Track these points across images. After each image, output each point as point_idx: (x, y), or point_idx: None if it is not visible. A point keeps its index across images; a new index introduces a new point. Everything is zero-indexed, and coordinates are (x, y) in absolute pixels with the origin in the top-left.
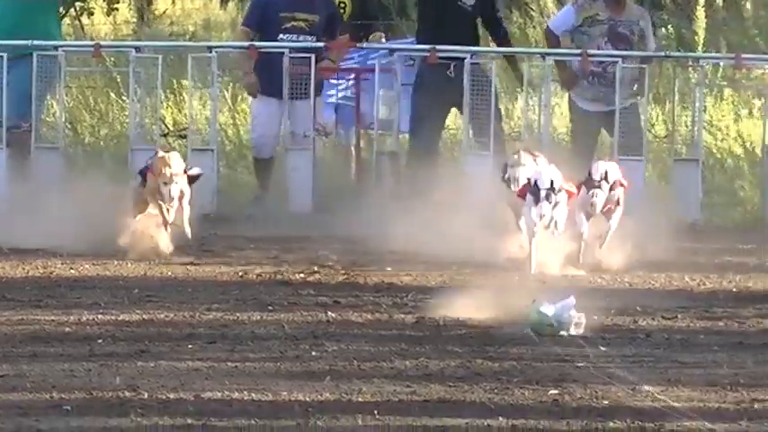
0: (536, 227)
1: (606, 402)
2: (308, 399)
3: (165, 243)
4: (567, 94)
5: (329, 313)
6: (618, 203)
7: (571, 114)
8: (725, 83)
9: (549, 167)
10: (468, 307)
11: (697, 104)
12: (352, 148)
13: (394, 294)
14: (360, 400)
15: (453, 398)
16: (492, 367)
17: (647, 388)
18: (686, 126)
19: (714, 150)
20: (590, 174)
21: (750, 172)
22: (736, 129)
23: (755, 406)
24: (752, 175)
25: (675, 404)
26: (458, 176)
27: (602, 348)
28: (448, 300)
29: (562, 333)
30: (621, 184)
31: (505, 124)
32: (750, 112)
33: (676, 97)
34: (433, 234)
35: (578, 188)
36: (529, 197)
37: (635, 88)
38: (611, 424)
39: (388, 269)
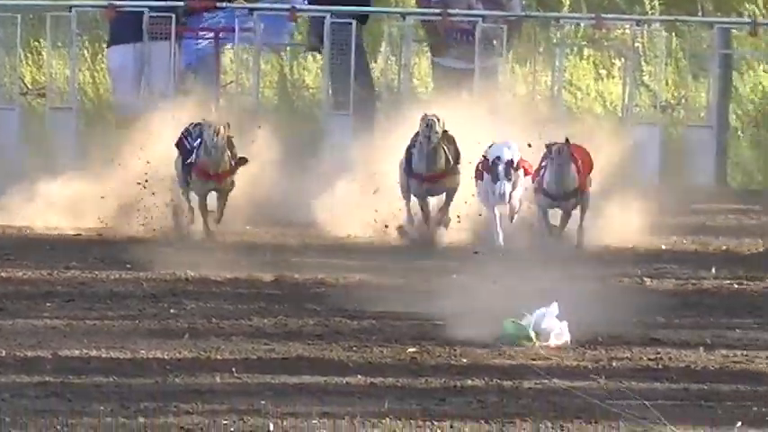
0: (496, 203)
1: (465, 361)
2: (166, 356)
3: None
4: (427, 54)
5: (188, 272)
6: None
7: (433, 73)
8: (585, 43)
9: (507, 143)
10: (326, 266)
11: (557, 64)
12: (213, 108)
13: (252, 253)
14: (218, 357)
15: (312, 355)
16: (350, 325)
17: (505, 347)
18: (546, 85)
19: (574, 110)
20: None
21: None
22: (597, 88)
23: (613, 364)
24: (612, 134)
25: (534, 362)
26: (319, 137)
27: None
28: (306, 259)
29: (542, 344)
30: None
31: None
32: (609, 73)
33: (537, 57)
34: (292, 193)
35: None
36: (486, 175)
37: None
38: (470, 382)
39: (247, 228)
